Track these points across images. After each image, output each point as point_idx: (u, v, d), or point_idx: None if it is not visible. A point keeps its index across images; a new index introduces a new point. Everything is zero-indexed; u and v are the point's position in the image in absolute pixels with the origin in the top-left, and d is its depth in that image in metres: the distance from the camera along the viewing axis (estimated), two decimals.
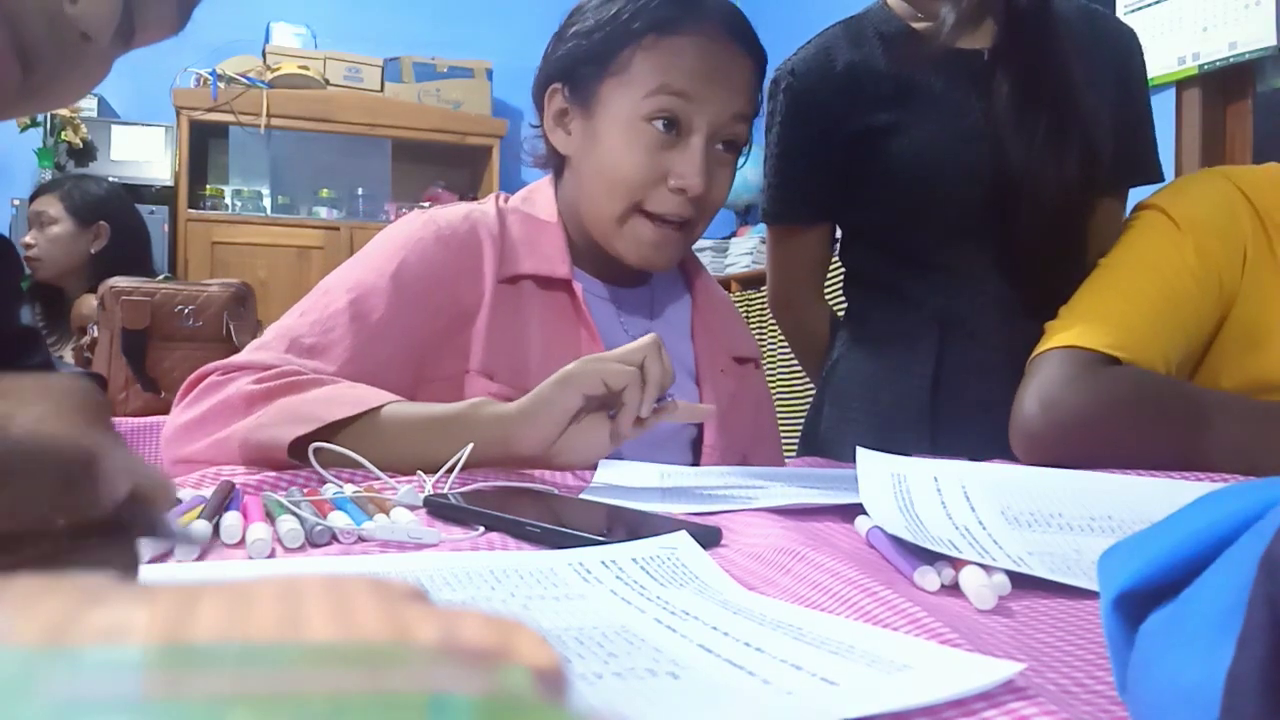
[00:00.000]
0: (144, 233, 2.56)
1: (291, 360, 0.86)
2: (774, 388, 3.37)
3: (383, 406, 0.79)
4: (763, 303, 3.49)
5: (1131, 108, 1.14)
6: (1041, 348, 0.92)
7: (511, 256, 0.98)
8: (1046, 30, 1.05)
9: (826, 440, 1.20)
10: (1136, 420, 0.83)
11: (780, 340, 3.34)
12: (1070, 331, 0.91)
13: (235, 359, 0.87)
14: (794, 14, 3.92)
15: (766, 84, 1.15)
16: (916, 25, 1.12)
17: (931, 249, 1.11)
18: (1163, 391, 0.86)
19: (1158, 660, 0.23)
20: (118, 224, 2.43)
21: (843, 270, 1.27)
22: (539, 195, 1.05)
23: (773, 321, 3.83)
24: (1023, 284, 1.07)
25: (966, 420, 1.06)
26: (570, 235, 1.02)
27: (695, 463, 1.02)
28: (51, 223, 2.37)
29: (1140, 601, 0.25)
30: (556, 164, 1.04)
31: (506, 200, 1.06)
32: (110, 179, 2.95)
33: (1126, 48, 1.16)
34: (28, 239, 2.37)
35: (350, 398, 0.79)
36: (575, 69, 0.98)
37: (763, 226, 4.39)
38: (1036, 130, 1.03)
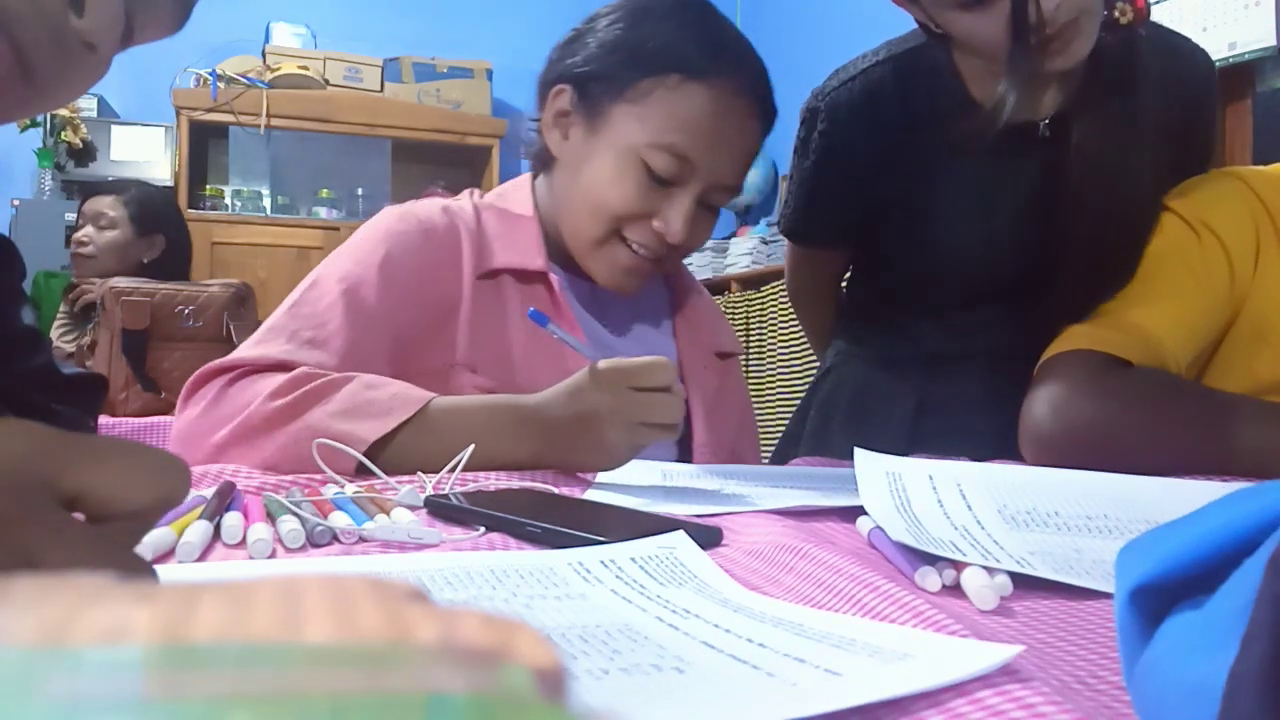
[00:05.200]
0: (189, 245, 2.53)
1: (295, 355, 0.84)
2: (772, 383, 3.37)
3: (428, 404, 0.79)
4: (762, 302, 3.49)
5: (1193, 154, 1.06)
6: (1052, 351, 0.90)
7: (487, 251, 0.98)
8: (1122, 93, 0.97)
9: (808, 445, 1.21)
10: (1151, 424, 0.82)
11: (780, 337, 3.34)
12: (1081, 334, 0.89)
13: (241, 356, 0.84)
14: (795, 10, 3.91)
15: (801, 108, 1.14)
16: (974, 93, 1.02)
17: (939, 303, 1.11)
18: (1177, 394, 0.85)
19: (1170, 658, 0.23)
20: (171, 236, 2.41)
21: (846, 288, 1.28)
22: (514, 192, 1.05)
23: (773, 320, 3.80)
24: (1045, 336, 0.98)
25: (947, 447, 1.05)
26: (548, 231, 1.02)
27: (683, 459, 1.02)
28: (110, 226, 2.33)
29: (1155, 596, 0.25)
30: (544, 161, 1.04)
31: (481, 196, 1.06)
32: (164, 185, 2.93)
33: (1196, 98, 1.07)
34: (81, 235, 2.33)
35: (384, 405, 0.78)
36: (589, 79, 0.96)
37: (763, 226, 4.36)
38: (1085, 207, 0.97)
